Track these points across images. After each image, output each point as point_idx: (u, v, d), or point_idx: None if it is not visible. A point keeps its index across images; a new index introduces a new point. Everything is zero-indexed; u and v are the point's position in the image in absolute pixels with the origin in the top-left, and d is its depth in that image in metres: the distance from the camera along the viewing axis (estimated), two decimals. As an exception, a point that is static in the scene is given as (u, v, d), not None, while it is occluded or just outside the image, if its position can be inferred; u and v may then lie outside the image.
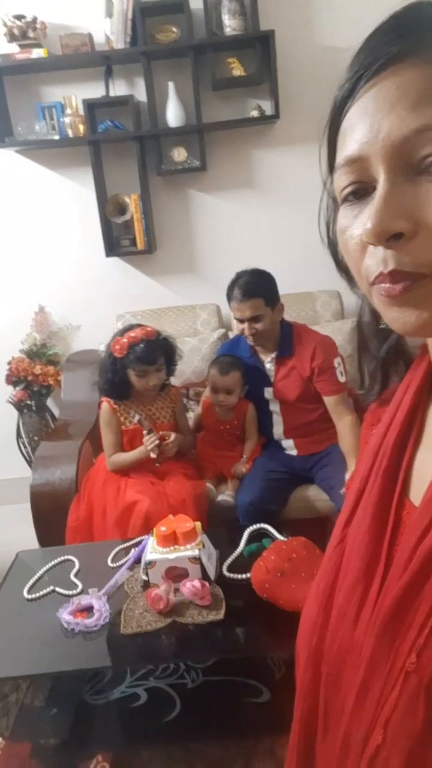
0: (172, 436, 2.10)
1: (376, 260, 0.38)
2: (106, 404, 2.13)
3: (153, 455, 2.04)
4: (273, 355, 2.18)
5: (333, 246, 0.47)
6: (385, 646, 0.43)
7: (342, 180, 0.40)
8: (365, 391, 0.55)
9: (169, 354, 2.12)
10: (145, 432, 2.06)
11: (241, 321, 2.10)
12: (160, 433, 2.09)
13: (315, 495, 2.11)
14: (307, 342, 2.12)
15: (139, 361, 2.02)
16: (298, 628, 0.54)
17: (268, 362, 2.20)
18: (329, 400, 2.09)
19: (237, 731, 1.38)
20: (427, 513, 0.43)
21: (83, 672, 1.42)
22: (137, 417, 2.06)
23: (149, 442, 2.03)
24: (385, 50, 0.36)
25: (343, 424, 2.07)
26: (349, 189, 0.40)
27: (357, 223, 0.39)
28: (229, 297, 2.10)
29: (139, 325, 2.12)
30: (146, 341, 2.02)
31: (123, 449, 2.14)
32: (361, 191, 0.39)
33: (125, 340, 2.03)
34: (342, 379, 2.07)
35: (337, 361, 2.08)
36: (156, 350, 2.04)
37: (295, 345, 2.14)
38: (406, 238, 0.36)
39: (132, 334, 2.04)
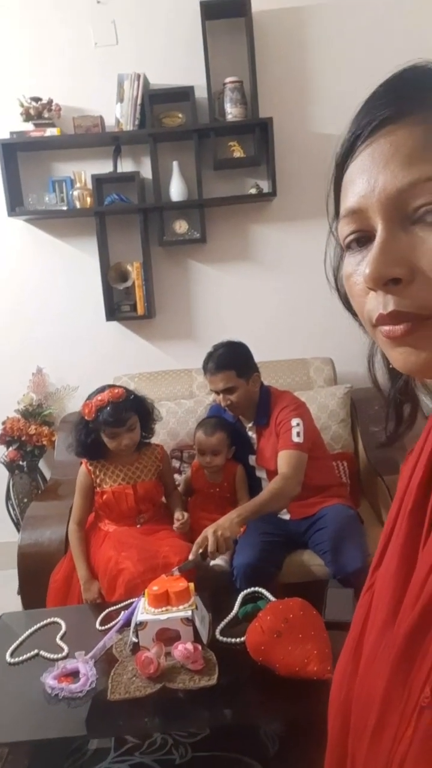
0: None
1: (377, 303, 0.41)
2: (83, 467, 2.14)
3: (85, 599, 1.93)
4: (251, 423, 2.22)
5: (340, 291, 0.50)
6: (399, 682, 0.41)
7: (345, 229, 0.43)
8: (382, 430, 0.56)
9: (142, 412, 2.11)
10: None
11: (216, 393, 2.15)
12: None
13: (309, 559, 2.06)
14: (280, 407, 2.15)
15: (108, 424, 2.01)
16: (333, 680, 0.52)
17: (249, 430, 2.23)
18: (279, 455, 2.08)
19: None
20: None
21: (65, 742, 1.33)
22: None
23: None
24: (380, 113, 0.40)
25: (275, 478, 2.04)
26: (351, 237, 0.43)
27: (360, 270, 0.42)
28: (204, 369, 2.16)
29: (110, 386, 2.11)
30: (112, 403, 2.01)
31: (90, 512, 2.15)
32: (363, 239, 0.42)
33: (93, 402, 2.03)
34: (297, 439, 2.05)
35: (295, 422, 2.08)
36: (124, 411, 2.02)
37: (271, 413, 2.17)
38: (404, 284, 0.39)
39: (99, 397, 2.03)
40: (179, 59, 2.73)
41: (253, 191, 2.74)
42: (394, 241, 0.39)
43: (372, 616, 0.48)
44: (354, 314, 0.48)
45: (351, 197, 0.42)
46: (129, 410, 2.05)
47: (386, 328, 0.41)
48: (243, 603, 1.64)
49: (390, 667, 0.42)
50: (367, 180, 0.41)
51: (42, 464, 2.91)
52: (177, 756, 1.45)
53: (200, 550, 1.77)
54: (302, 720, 1.33)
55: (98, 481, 2.12)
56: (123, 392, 2.06)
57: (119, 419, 2.01)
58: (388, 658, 0.43)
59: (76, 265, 2.88)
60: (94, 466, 2.13)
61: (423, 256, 0.38)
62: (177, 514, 2.13)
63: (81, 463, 2.16)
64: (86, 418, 2.05)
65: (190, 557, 1.76)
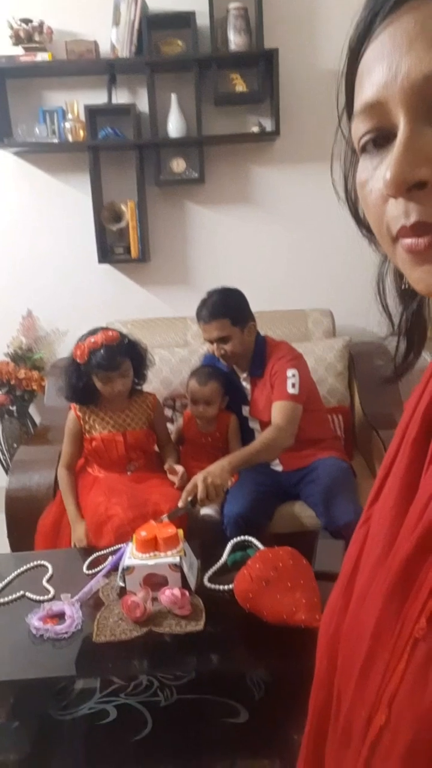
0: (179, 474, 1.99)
1: (397, 213, 0.35)
2: (72, 411, 2.07)
3: (77, 544, 1.89)
4: (246, 374, 2.15)
5: (351, 202, 0.44)
6: (392, 612, 0.38)
7: (360, 128, 0.37)
8: (391, 361, 0.51)
9: (136, 358, 2.05)
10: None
11: (209, 341, 2.07)
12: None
13: (301, 511, 2.05)
14: (276, 358, 2.09)
15: (101, 368, 1.94)
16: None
17: (244, 380, 2.18)
18: (273, 405, 2.03)
19: (211, 753, 1.29)
20: None
21: (50, 681, 1.32)
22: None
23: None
24: None
25: (268, 428, 1.99)
26: (367, 137, 0.37)
27: (377, 175, 0.37)
28: (198, 317, 2.07)
29: (102, 329, 2.03)
30: (106, 346, 1.93)
31: (79, 457, 2.11)
32: (380, 139, 0.36)
33: (85, 344, 1.96)
34: (292, 390, 2.00)
35: (291, 372, 2.03)
36: (118, 355, 1.96)
37: (266, 364, 2.10)
38: (429, 188, 0.33)
39: (92, 339, 1.96)
40: (181, -19, 2.54)
41: (255, 129, 2.60)
42: (420, 138, 0.33)
43: (367, 551, 0.45)
44: (366, 229, 0.42)
45: (368, 88, 0.36)
46: (123, 354, 1.98)
47: (408, 241, 0.35)
48: (232, 551, 1.62)
49: (383, 599, 0.39)
50: (387, 66, 0.34)
51: (32, 409, 2.87)
52: (162, 698, 1.45)
53: (190, 498, 1.74)
54: (289, 667, 1.32)
55: (87, 427, 2.07)
56: (117, 335, 1.99)
57: (113, 363, 1.94)
58: (381, 590, 0.40)
59: (67, 203, 2.76)
60: (83, 411, 2.07)
61: None
62: (167, 466, 2.06)
63: (70, 408, 2.10)
64: (78, 360, 1.98)
65: (180, 504, 1.73)
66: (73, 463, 2.10)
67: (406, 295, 0.46)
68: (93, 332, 2.00)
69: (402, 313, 0.47)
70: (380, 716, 0.37)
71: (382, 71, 0.34)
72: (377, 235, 0.40)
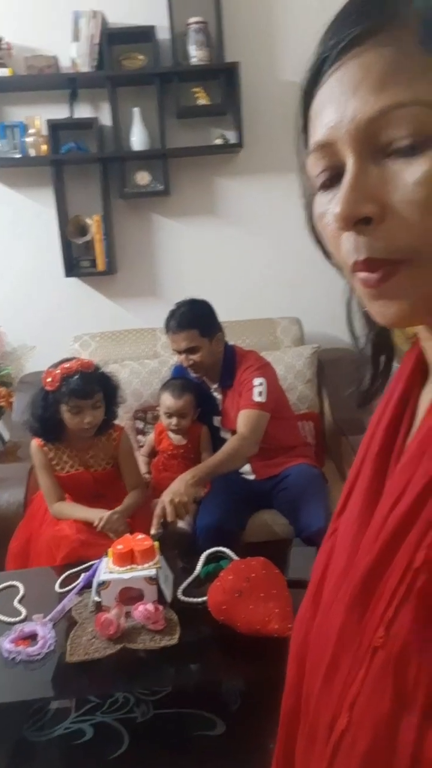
0: (105, 515, 1.84)
1: (350, 247, 0.38)
2: (35, 443, 1.95)
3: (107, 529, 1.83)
4: (216, 384, 2.17)
5: (316, 235, 0.46)
6: (354, 621, 0.40)
7: (314, 167, 0.40)
8: (357, 383, 0.52)
9: (108, 391, 1.95)
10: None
11: (178, 352, 2.08)
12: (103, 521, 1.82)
13: (273, 519, 2.06)
14: (244, 367, 2.11)
15: (73, 395, 1.82)
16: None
17: (215, 391, 2.19)
18: (239, 414, 2.04)
19: (189, 767, 1.29)
20: (402, 479, 0.41)
21: (24, 704, 1.30)
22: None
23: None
24: (347, 32, 0.36)
25: (232, 438, 2.00)
26: (322, 175, 0.40)
27: (331, 209, 0.39)
28: (166, 328, 2.09)
29: (75, 358, 1.94)
30: (81, 373, 1.84)
31: (64, 493, 1.97)
32: (334, 176, 0.39)
33: (58, 371, 1.85)
34: (258, 398, 2.02)
35: (258, 381, 2.04)
36: (92, 383, 1.86)
37: (236, 374, 2.12)
38: (375, 223, 0.36)
39: (66, 365, 1.86)
40: (139, -4, 2.55)
41: (218, 142, 2.63)
42: (365, 177, 0.36)
43: (333, 561, 0.48)
44: (329, 257, 0.45)
45: (319, 129, 0.38)
46: (97, 384, 1.89)
47: (362, 275, 0.38)
48: (206, 563, 1.63)
49: (345, 609, 0.41)
50: (335, 109, 0.37)
51: (0, 426, 2.83)
52: (138, 714, 1.44)
53: (161, 521, 1.74)
54: (263, 676, 1.33)
55: (53, 463, 1.97)
56: (92, 363, 1.92)
57: (87, 390, 1.84)
58: (344, 600, 0.42)
59: (32, 218, 2.74)
60: (48, 447, 1.96)
61: (395, 191, 0.35)
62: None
63: (33, 439, 1.97)
64: (48, 388, 1.86)
65: (152, 531, 1.71)
66: (61, 494, 1.96)
67: (371, 318, 0.47)
68: (66, 360, 1.92)
69: (368, 333, 0.49)
70: (342, 720, 0.39)
71: (330, 114, 0.37)
72: (339, 264, 0.42)
